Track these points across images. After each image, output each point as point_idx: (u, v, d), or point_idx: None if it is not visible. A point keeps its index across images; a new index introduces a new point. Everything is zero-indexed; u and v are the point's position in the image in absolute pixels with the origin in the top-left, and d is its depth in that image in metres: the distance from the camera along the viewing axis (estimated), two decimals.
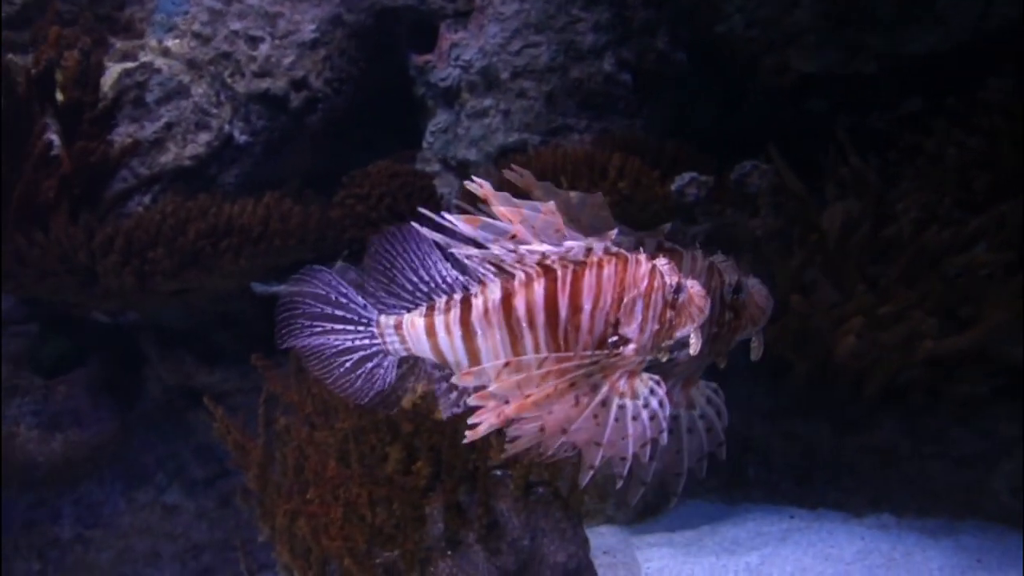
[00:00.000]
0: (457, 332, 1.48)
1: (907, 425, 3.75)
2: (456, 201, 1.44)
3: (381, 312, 1.57)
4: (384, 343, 1.57)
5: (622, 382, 1.42)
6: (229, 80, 3.72)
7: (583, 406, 1.40)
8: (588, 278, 1.43)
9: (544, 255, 1.40)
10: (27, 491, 3.25)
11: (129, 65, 3.75)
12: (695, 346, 1.48)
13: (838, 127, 4.51)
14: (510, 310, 1.45)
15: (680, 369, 1.39)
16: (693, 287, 1.48)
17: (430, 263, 1.54)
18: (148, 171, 3.56)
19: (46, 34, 3.33)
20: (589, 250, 1.42)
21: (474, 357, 1.49)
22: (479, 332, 1.47)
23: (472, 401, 1.40)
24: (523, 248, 1.39)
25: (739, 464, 3.84)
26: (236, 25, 3.75)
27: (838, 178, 3.96)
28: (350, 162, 3.76)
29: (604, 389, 1.41)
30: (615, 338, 1.43)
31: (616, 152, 3.11)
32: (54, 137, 3.26)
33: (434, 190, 3.62)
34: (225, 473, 3.27)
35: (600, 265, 1.43)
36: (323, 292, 1.59)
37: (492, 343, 1.46)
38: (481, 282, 1.48)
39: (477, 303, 1.48)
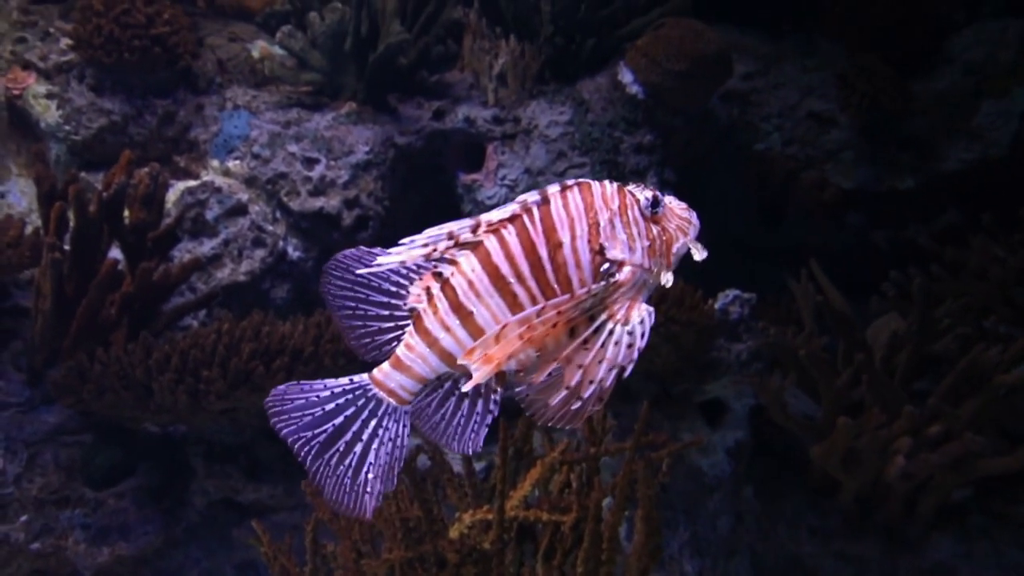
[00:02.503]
0: (454, 322, 1.37)
1: (964, 547, 3.63)
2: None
3: (374, 368, 1.43)
4: (395, 393, 1.42)
5: (622, 310, 1.36)
6: (285, 199, 3.89)
7: (578, 336, 1.33)
8: (556, 210, 1.35)
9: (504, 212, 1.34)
10: None
11: (191, 184, 3.95)
12: (697, 256, 1.42)
13: (876, 241, 4.56)
14: (494, 271, 1.34)
15: (625, 290, 1.38)
16: (671, 200, 1.42)
17: (390, 273, 1.41)
18: (205, 286, 3.69)
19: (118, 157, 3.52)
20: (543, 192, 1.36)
21: (480, 338, 1.36)
22: (474, 309, 1.36)
23: (462, 361, 1.31)
24: (481, 216, 1.35)
25: None
26: (293, 147, 3.94)
27: (881, 293, 3.97)
28: None
29: (602, 317, 1.35)
30: (607, 265, 1.36)
31: None
32: (119, 255, 3.41)
33: None
34: None
35: (564, 195, 1.36)
36: (303, 400, 1.45)
37: (491, 313, 1.36)
38: (450, 260, 1.36)
39: (458, 281, 1.36)
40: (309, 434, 1.45)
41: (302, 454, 1.45)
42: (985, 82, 4.57)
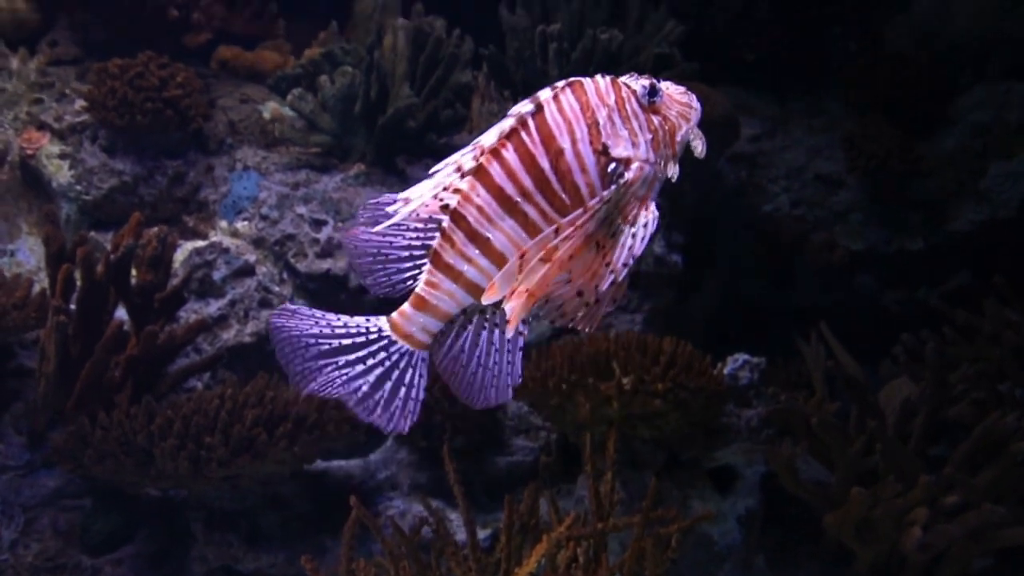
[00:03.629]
0: (474, 252, 1.33)
1: None
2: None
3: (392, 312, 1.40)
4: (413, 337, 1.39)
5: (635, 210, 1.31)
6: (292, 260, 3.90)
7: (603, 249, 1.29)
8: (551, 116, 1.30)
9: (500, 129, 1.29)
10: None
11: (199, 244, 3.96)
12: (700, 148, 1.37)
13: (886, 302, 4.52)
14: (499, 192, 1.30)
15: (636, 188, 1.31)
16: (668, 86, 1.37)
17: (405, 226, 1.38)
18: (211, 347, 3.67)
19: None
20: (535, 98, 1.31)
21: (503, 263, 1.32)
22: (490, 235, 1.32)
23: (487, 299, 1.27)
24: (479, 139, 1.30)
25: None
26: (302, 209, 3.96)
27: (892, 356, 3.92)
28: None
29: (618, 222, 1.30)
30: (613, 165, 1.31)
31: (667, 337, 3.13)
32: (124, 316, 3.41)
33: None
34: None
35: (556, 99, 1.31)
36: (313, 324, 1.43)
37: (507, 236, 1.31)
38: (455, 190, 1.32)
39: (468, 209, 1.32)
40: (315, 364, 1.43)
41: (303, 380, 1.44)
42: (992, 143, 4.58)
